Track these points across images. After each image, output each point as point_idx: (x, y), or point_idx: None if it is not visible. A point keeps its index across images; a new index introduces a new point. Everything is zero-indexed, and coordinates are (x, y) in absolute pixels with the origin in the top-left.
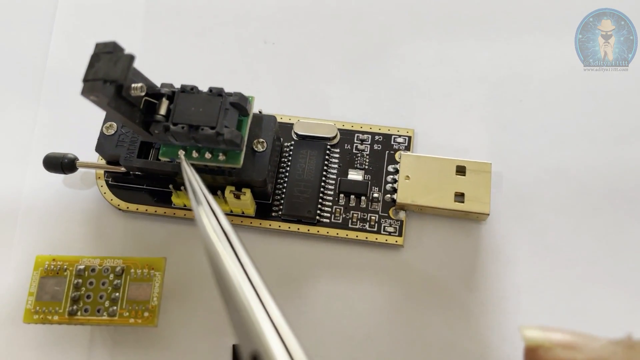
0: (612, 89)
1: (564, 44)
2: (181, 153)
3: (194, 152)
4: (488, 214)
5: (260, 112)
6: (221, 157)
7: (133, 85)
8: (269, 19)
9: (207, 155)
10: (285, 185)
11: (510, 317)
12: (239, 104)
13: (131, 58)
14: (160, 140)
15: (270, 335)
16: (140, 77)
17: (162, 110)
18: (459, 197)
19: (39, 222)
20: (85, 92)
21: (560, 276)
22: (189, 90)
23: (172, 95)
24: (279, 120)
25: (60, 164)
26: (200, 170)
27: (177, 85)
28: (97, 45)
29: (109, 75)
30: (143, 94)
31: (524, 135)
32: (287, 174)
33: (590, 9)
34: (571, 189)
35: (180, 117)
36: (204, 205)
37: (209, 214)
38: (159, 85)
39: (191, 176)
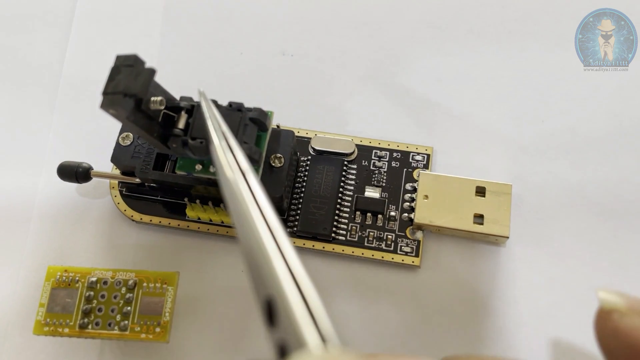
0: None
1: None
2: (200, 90)
3: (211, 166)
4: (508, 237)
5: (278, 126)
6: None
7: (152, 98)
8: (288, 31)
9: None
10: (301, 200)
11: (528, 344)
12: (259, 120)
13: (152, 72)
14: (178, 153)
15: (284, 277)
16: (159, 90)
17: (181, 124)
18: (478, 218)
19: (51, 231)
20: (105, 106)
21: (581, 303)
22: None
23: (191, 108)
24: (296, 134)
25: (74, 172)
26: (217, 184)
27: (194, 96)
28: (118, 58)
29: (130, 89)
30: (162, 107)
31: (545, 156)
32: (303, 189)
33: (590, 9)
34: (593, 213)
35: (199, 131)
36: (222, 141)
37: (226, 150)
38: (176, 96)
39: (211, 111)
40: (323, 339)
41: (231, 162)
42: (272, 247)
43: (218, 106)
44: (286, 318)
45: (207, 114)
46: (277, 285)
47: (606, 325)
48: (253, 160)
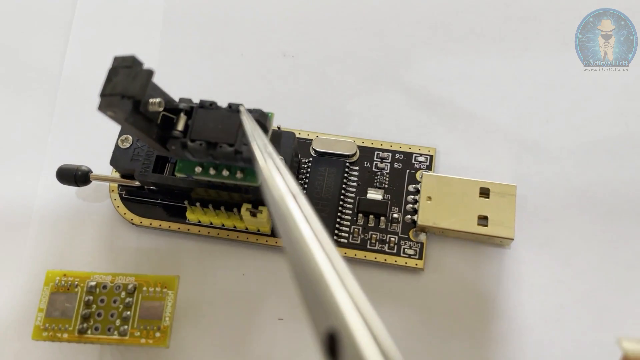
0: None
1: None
2: (242, 108)
3: (211, 168)
4: (512, 239)
5: (279, 127)
6: (239, 174)
7: (151, 100)
8: (289, 32)
9: (225, 172)
10: None
11: (533, 347)
12: (259, 121)
13: (150, 73)
14: (177, 156)
15: (349, 309)
16: (158, 91)
17: (180, 126)
18: (483, 220)
19: (50, 235)
20: (103, 107)
21: (587, 306)
22: (207, 106)
23: (191, 110)
24: (297, 135)
25: (73, 176)
26: (217, 186)
27: (194, 98)
28: (116, 59)
29: (127, 90)
30: (161, 109)
31: (550, 156)
32: (304, 191)
33: (590, 9)
34: (599, 214)
35: (198, 133)
36: (269, 161)
37: (274, 171)
38: (176, 98)
39: (254, 129)
40: None
41: (280, 184)
42: (333, 275)
43: (217, 108)
44: (354, 355)
45: (250, 134)
46: (341, 318)
47: None
48: (253, 162)
